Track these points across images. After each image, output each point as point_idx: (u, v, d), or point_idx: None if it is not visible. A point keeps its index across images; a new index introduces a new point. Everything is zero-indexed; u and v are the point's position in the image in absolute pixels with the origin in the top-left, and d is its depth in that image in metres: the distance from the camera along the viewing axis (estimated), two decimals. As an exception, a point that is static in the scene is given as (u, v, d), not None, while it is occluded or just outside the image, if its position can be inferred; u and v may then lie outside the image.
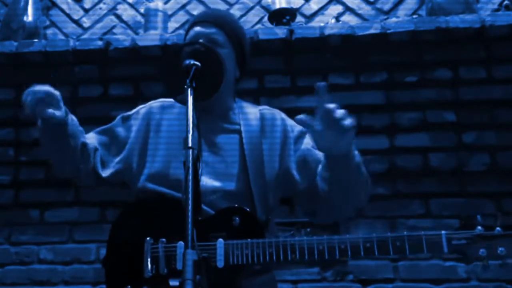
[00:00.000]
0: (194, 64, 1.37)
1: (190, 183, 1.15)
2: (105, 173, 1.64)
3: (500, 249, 1.25)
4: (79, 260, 2.74)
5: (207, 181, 1.48)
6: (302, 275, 2.59)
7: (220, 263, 1.34)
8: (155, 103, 1.72)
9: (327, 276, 2.61)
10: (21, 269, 2.77)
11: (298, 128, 1.63)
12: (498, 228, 1.27)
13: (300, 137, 1.63)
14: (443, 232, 1.30)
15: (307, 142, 1.60)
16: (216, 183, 1.51)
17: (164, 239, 1.42)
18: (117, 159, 1.65)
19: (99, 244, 2.72)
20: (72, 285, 2.71)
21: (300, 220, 2.62)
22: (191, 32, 1.65)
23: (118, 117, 1.73)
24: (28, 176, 2.90)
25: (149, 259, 1.41)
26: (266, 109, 1.72)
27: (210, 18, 1.67)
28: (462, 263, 2.55)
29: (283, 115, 1.71)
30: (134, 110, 1.73)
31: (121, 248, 1.50)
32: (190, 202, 1.13)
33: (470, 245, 1.27)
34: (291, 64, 2.87)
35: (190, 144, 1.20)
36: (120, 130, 1.69)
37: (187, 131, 1.22)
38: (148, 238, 1.43)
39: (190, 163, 1.18)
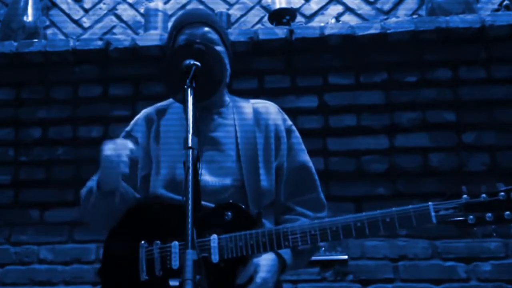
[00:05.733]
0: (194, 64, 1.37)
1: (190, 183, 1.15)
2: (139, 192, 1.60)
3: (487, 215, 1.26)
4: (79, 260, 2.74)
5: (214, 179, 1.50)
6: (302, 275, 2.59)
7: (215, 258, 1.35)
8: (149, 110, 1.72)
9: (327, 276, 2.60)
10: (21, 269, 2.77)
11: (288, 123, 1.69)
12: (483, 195, 1.28)
13: (288, 133, 1.66)
14: (430, 203, 1.30)
15: (295, 142, 1.66)
16: (226, 181, 1.52)
17: (158, 242, 1.42)
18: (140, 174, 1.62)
19: (99, 244, 2.71)
20: (72, 285, 2.71)
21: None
22: (183, 36, 1.62)
23: (123, 134, 1.69)
24: (28, 176, 2.90)
25: (144, 263, 1.41)
26: (259, 102, 1.73)
27: (199, 18, 1.66)
28: (462, 263, 2.55)
29: (277, 108, 1.72)
30: (132, 122, 1.71)
31: (117, 257, 1.49)
32: (190, 202, 1.13)
33: (458, 214, 1.28)
34: (291, 64, 2.87)
35: (190, 144, 1.20)
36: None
37: (187, 131, 1.22)
38: (142, 242, 1.43)
39: (190, 163, 1.18)
